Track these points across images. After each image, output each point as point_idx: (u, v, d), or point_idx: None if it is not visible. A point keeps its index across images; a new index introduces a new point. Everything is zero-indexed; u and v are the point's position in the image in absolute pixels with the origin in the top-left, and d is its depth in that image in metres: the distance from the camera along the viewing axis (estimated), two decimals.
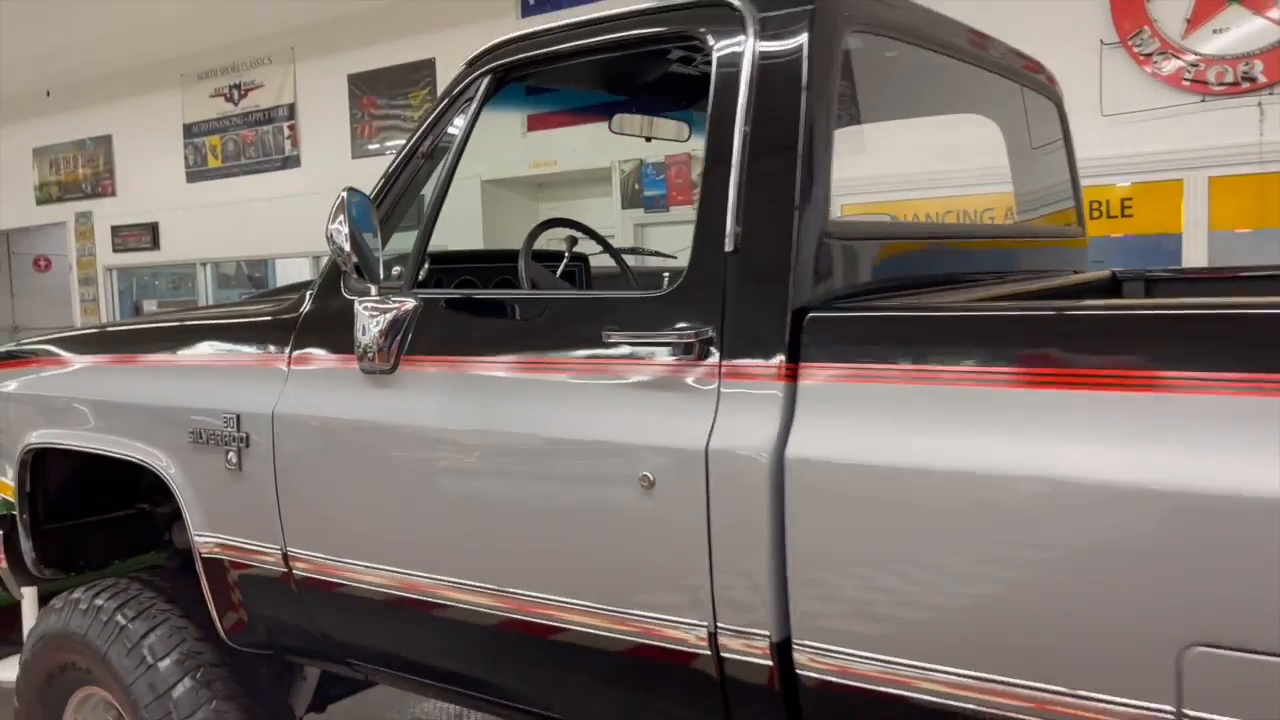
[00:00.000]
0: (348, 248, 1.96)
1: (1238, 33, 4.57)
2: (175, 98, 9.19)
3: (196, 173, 9.11)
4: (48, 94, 10.33)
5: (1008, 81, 2.67)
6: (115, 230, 9.94)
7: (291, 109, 8.31)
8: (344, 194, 1.96)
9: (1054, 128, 2.94)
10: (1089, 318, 1.51)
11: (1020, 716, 1.42)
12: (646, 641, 1.76)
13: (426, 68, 7.34)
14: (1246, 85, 4.56)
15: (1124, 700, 1.35)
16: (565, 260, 2.79)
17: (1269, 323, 1.35)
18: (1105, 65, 4.89)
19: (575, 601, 1.82)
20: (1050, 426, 1.41)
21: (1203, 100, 4.67)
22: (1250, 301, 1.40)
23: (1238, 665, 1.27)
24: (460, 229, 7.12)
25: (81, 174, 10.24)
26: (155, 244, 9.61)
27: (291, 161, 8.37)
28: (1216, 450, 1.29)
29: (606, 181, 6.66)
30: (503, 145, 6.82)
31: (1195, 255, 4.80)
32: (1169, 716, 1.31)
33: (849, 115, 2.43)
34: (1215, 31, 4.62)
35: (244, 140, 8.65)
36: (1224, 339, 1.37)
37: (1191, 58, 4.68)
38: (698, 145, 1.97)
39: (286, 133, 8.32)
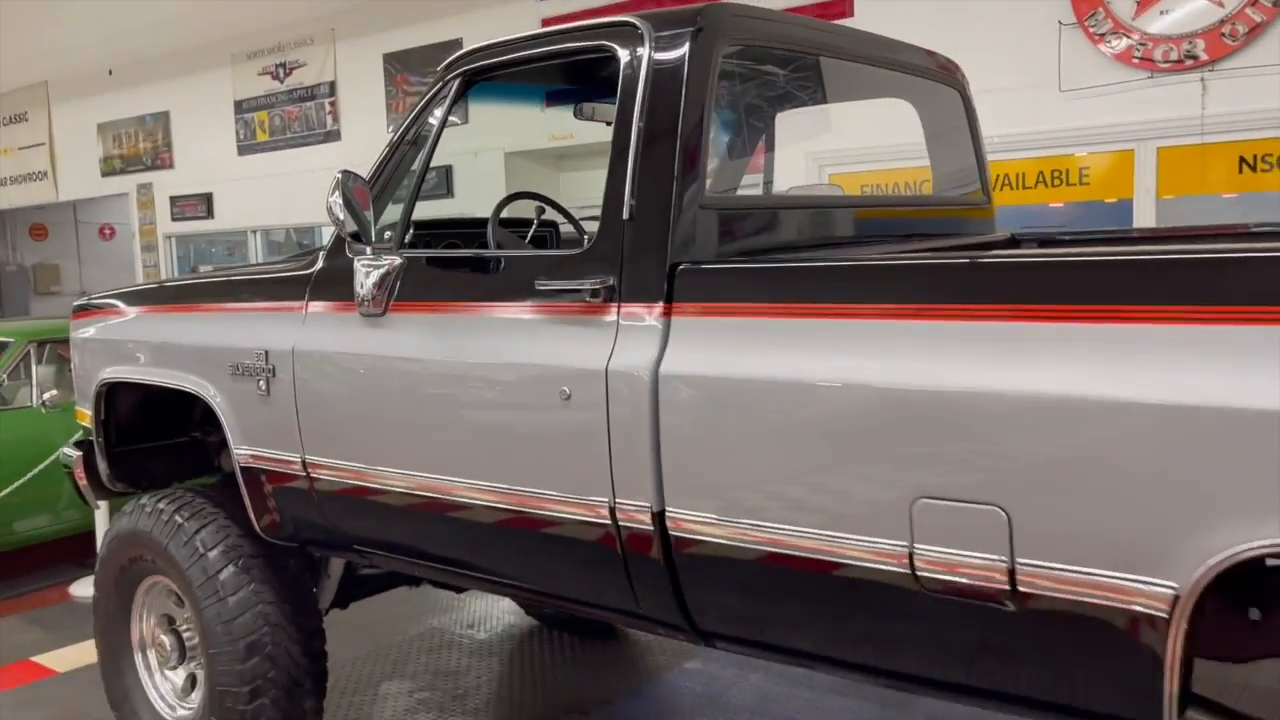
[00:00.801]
0: (342, 217, 2.52)
1: (1181, 13, 4.96)
2: (226, 76, 9.86)
3: (247, 146, 9.78)
4: (110, 72, 11.06)
5: (907, 75, 3.15)
6: (173, 200, 10.67)
7: (332, 86, 8.94)
8: (339, 175, 2.53)
9: (960, 113, 3.40)
10: (846, 269, 2.04)
11: (811, 554, 1.96)
12: (566, 516, 2.32)
13: (454, 46, 7.85)
14: (1190, 63, 4.95)
15: (879, 539, 1.88)
16: (534, 226, 3.33)
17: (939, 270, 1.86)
18: (1064, 44, 5.30)
19: (521, 488, 2.38)
20: (833, 348, 1.94)
21: (1150, 76, 5.07)
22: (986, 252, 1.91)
23: (946, 510, 1.79)
24: (486, 198, 7.68)
25: (142, 148, 10.98)
26: (210, 213, 10.33)
27: (333, 135, 8.99)
28: (927, 362, 1.80)
29: None
30: (524, 120, 7.35)
31: (1145, 219, 5.22)
32: (905, 545, 1.84)
33: (760, 106, 2.94)
34: (1161, 13, 5.01)
35: (289, 116, 9.29)
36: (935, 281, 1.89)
37: (1140, 37, 5.07)
38: None
39: (328, 108, 8.95)
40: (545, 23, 7.13)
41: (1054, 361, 1.68)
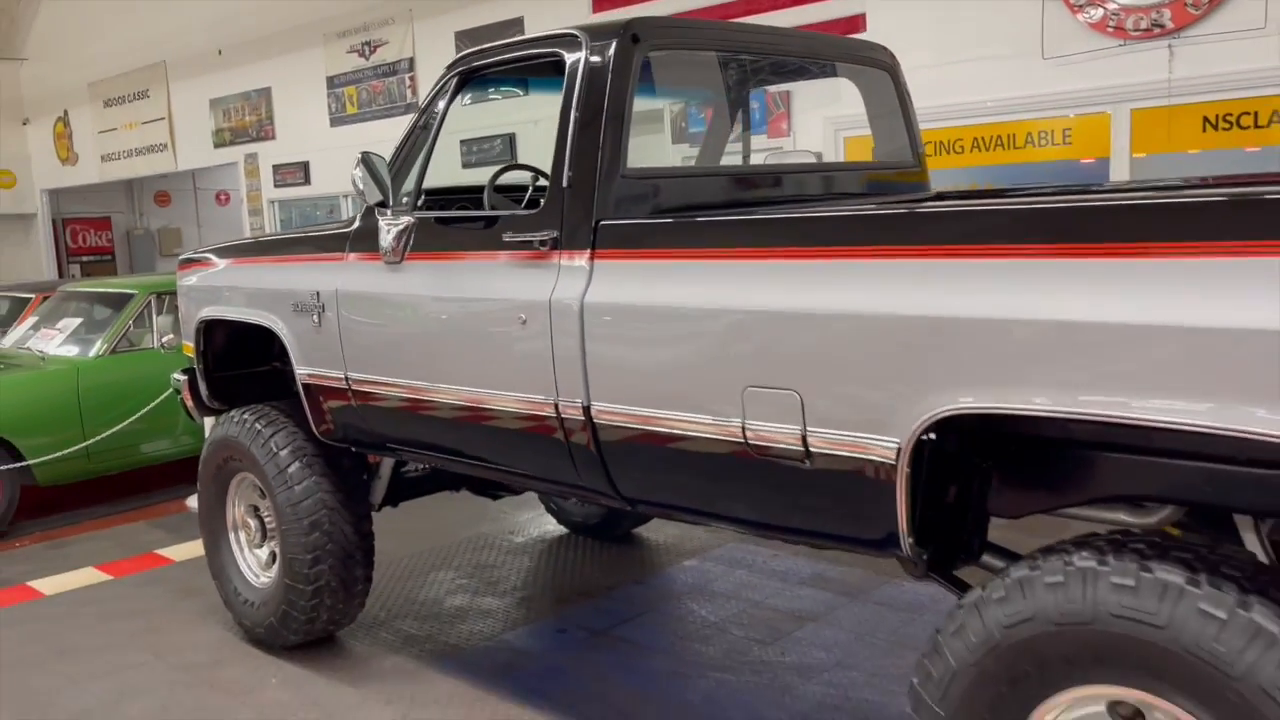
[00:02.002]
0: (362, 187, 3.31)
1: None
2: (319, 54, 10.82)
3: (338, 118, 10.75)
4: (219, 53, 12.16)
5: (837, 61, 3.78)
6: (276, 168, 11.75)
7: (411, 62, 9.80)
8: (360, 154, 3.32)
9: (891, 91, 4.00)
10: (703, 223, 2.73)
11: (684, 432, 2.67)
12: (525, 412, 3.08)
13: (516, 25, 8.65)
14: (1157, 30, 5.39)
15: (725, 418, 2.58)
16: (530, 190, 4.06)
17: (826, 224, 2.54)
18: (1046, 15, 5.77)
19: (487, 391, 3.16)
20: (698, 281, 2.64)
21: (1122, 44, 5.52)
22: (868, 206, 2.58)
23: (766, 395, 2.49)
24: (544, 161, 8.46)
25: (248, 121, 12.07)
26: (307, 179, 11.36)
27: (413, 107, 9.87)
28: (753, 290, 2.50)
29: (660, 121, 7.85)
30: None
31: (1121, 176, 5.68)
32: (739, 422, 2.54)
33: (692, 94, 3.61)
34: None
35: (374, 90, 10.20)
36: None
37: (1113, 6, 5.52)
38: None
39: (408, 83, 9.82)
40: (596, 6, 7.78)
41: (825, 288, 2.37)
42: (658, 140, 7.86)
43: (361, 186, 3.34)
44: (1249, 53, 5.15)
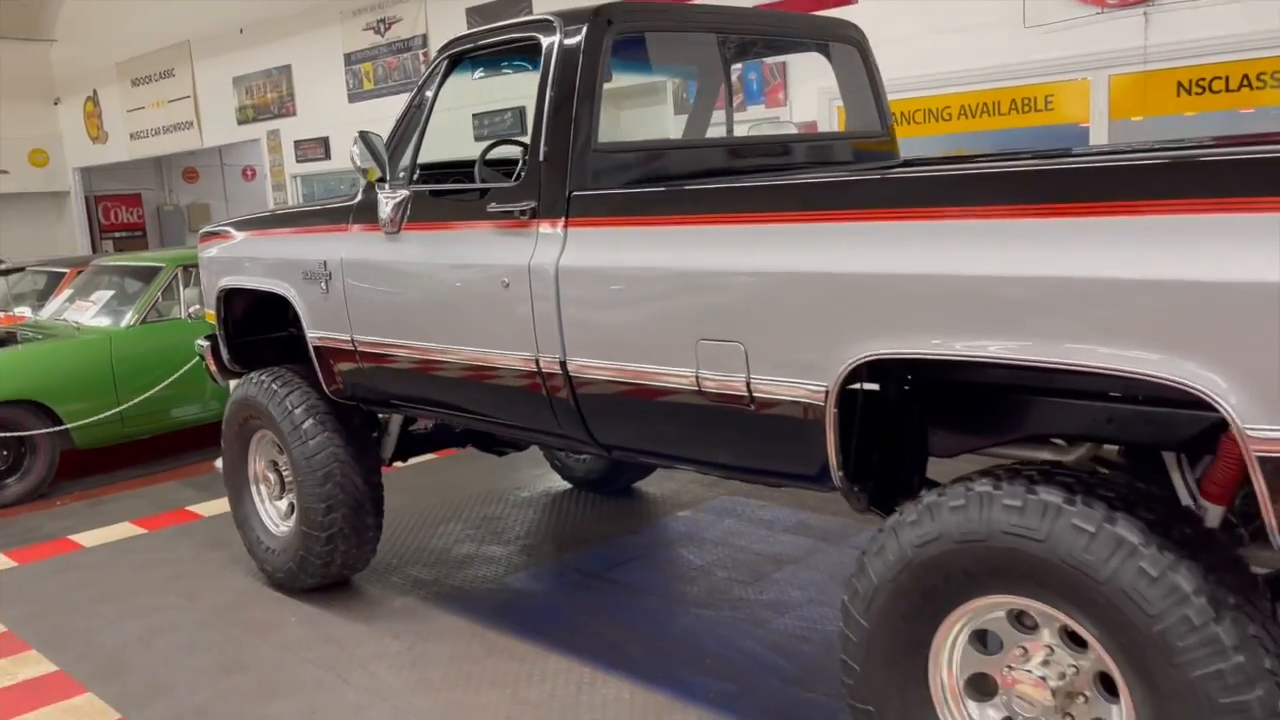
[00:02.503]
0: (359, 163, 3.61)
1: None
2: (337, 32, 11.10)
3: (355, 94, 11.05)
4: (241, 31, 12.47)
5: (803, 39, 4.03)
6: (297, 144, 12.08)
7: (424, 39, 10.07)
8: (358, 134, 3.61)
9: (859, 65, 4.24)
10: (661, 193, 3.00)
11: (647, 382, 2.96)
12: (509, 368, 3.38)
13: (524, 2, 8.89)
14: None
15: (681, 368, 2.87)
16: (520, 164, 4.34)
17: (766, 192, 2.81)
18: None
19: (477, 349, 3.46)
20: (655, 246, 2.92)
21: (1100, 12, 5.70)
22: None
23: (715, 347, 2.77)
24: None
25: (270, 98, 12.40)
26: (328, 154, 11.68)
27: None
28: (704, 253, 2.77)
29: (663, 93, 8.09)
30: None
31: (1100, 140, 5.88)
32: (693, 372, 2.83)
33: (675, 71, 3.86)
34: None
35: (390, 66, 10.48)
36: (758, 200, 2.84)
37: None
38: None
39: (421, 59, 10.10)
40: None
41: (760, 249, 2.64)
42: (661, 112, 8.11)
43: (359, 162, 3.64)
44: (1221, 19, 5.32)
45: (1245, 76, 5.32)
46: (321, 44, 11.33)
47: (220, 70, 13.08)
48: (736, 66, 6.88)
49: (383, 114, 10.61)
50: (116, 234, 18.18)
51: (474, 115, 9.47)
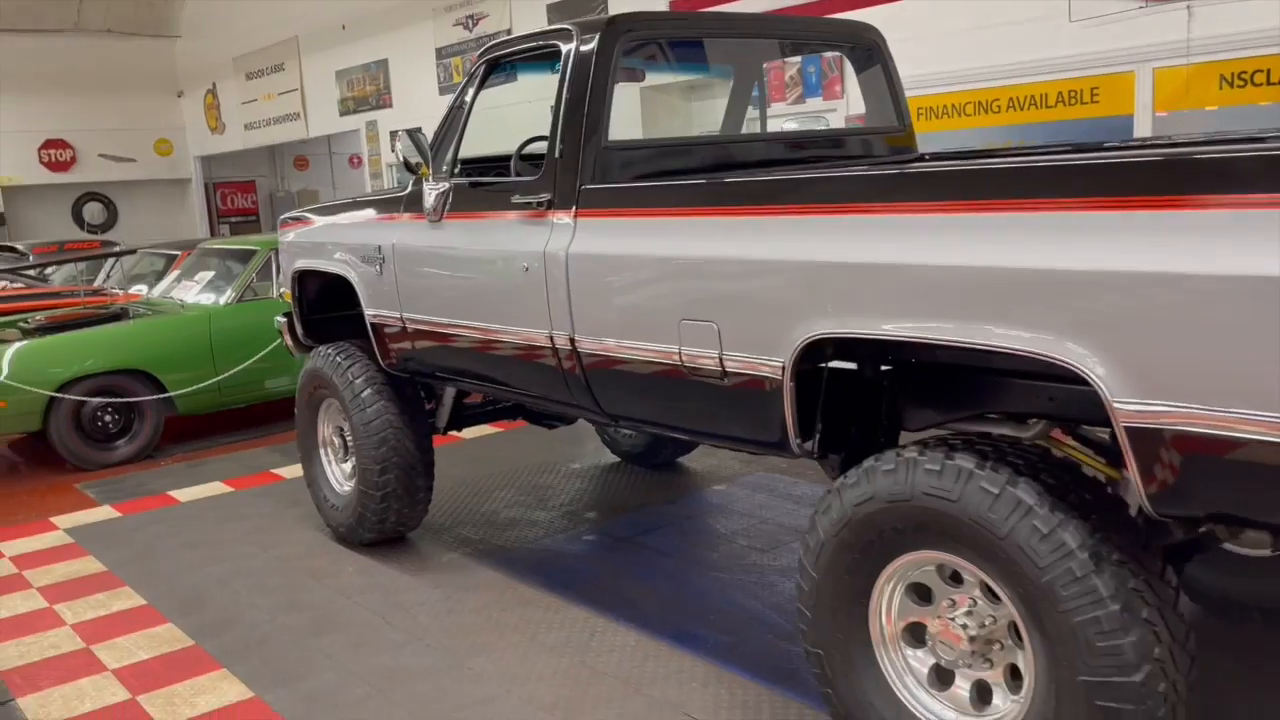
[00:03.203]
0: (401, 159, 4.02)
1: None
2: (429, 28, 11.66)
3: (446, 87, 11.59)
4: (343, 27, 13.15)
5: (821, 40, 4.29)
6: (392, 135, 12.70)
7: (509, 34, 10.50)
8: (403, 131, 4.03)
9: (878, 65, 4.47)
10: (655, 188, 3.32)
11: (641, 358, 3.30)
12: (529, 344, 3.76)
13: (601, 1, 9.26)
14: None
15: (666, 344, 3.19)
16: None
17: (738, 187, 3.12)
18: None
19: (503, 326, 3.85)
20: (650, 235, 3.25)
21: (1143, 6, 5.77)
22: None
23: (694, 326, 3.09)
24: (625, 128, 9.10)
25: (368, 90, 13.06)
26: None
27: (511, 78, 10.60)
28: (686, 240, 3.09)
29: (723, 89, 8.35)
30: None
31: (1144, 132, 5.95)
32: (677, 348, 3.16)
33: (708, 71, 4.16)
34: None
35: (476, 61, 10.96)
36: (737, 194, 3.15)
37: None
38: None
39: None
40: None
41: (730, 239, 2.95)
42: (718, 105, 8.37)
43: (404, 156, 4.05)
44: (1262, 13, 5.35)
45: None
46: (415, 39, 11.91)
47: (324, 64, 13.80)
48: (781, 63, 7.15)
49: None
50: (232, 219, 19.27)
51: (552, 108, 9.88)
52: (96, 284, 10.36)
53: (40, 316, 7.84)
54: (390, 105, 12.72)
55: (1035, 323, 2.29)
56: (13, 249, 11.12)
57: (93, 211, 18.77)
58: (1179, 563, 2.58)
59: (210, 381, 7.27)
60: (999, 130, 6.62)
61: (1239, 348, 1.99)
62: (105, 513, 5.97)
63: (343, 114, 13.72)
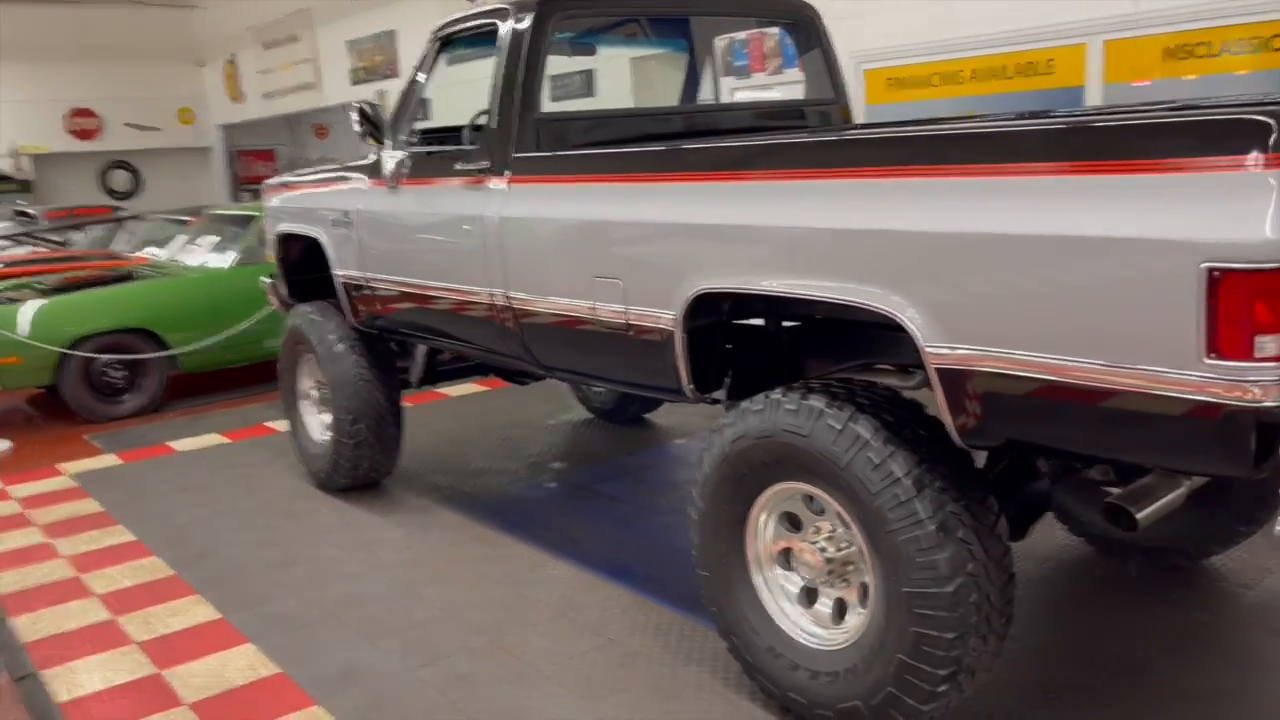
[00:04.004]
0: (359, 129, 4.34)
1: None
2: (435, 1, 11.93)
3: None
4: None
5: (754, 16, 4.55)
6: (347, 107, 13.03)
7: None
8: (356, 102, 4.35)
9: (815, 39, 4.73)
10: (572, 156, 3.62)
11: (562, 312, 3.62)
12: (473, 301, 4.08)
13: None
14: None
15: (583, 300, 3.51)
16: None
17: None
18: None
19: (450, 285, 4.18)
20: (568, 199, 3.56)
21: None
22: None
23: (605, 283, 3.41)
24: (615, 97, 9.39)
25: (378, 60, 13.37)
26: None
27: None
28: (603, 204, 3.40)
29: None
30: None
31: (1094, 103, 6.16)
32: (591, 304, 3.47)
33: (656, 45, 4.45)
34: None
35: None
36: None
37: None
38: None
39: None
40: None
41: (631, 203, 3.26)
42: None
43: (358, 128, 4.38)
44: None
45: (1226, 42, 5.54)
46: (421, 11, 12.18)
47: (337, 34, 14.12)
48: (760, 33, 7.38)
49: (471, 77, 11.45)
50: (253, 185, 19.66)
51: (550, 77, 10.16)
52: (112, 248, 10.79)
53: (55, 279, 8.26)
54: (397, 75, 13.03)
55: (867, 277, 2.59)
56: (25, 213, 11.61)
57: (118, 179, 19.27)
58: (1007, 493, 2.86)
59: (211, 340, 7.67)
60: (964, 101, 6.84)
61: (1019, 298, 2.28)
62: (109, 460, 6.39)
63: (354, 83, 14.05)
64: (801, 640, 3.02)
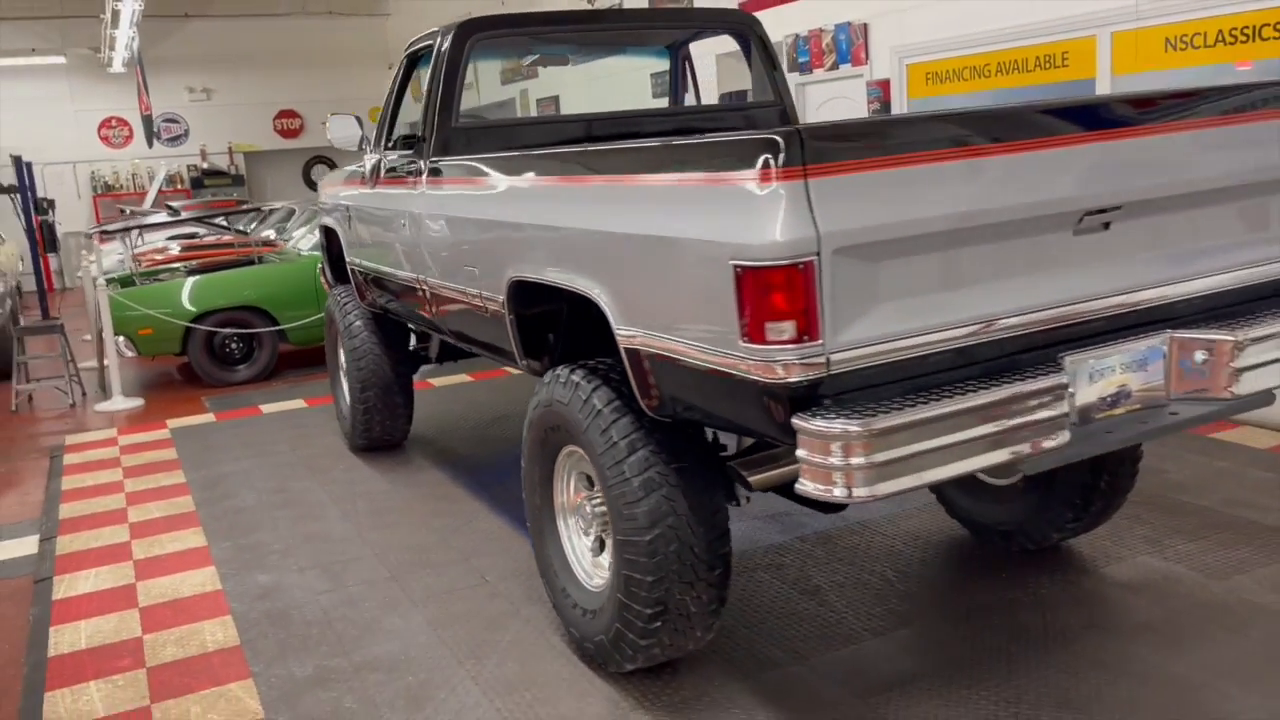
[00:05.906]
0: (330, 138, 5.05)
1: None
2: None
3: None
4: (502, 1, 14.41)
5: (692, 31, 4.95)
6: (538, 102, 13.88)
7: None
8: (330, 114, 5.05)
9: (758, 48, 5.05)
10: (479, 160, 4.15)
11: (460, 299, 4.18)
12: (410, 285, 4.70)
13: None
14: None
15: (459, 284, 4.06)
16: None
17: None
18: None
19: (403, 271, 4.82)
20: (477, 199, 4.11)
21: None
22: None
23: (468, 271, 3.95)
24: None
25: (519, 64, 14.27)
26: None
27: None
28: (501, 206, 3.95)
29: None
30: None
31: (1104, 91, 6.08)
32: (463, 287, 4.02)
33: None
34: None
35: None
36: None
37: None
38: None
39: None
40: None
41: (477, 204, 3.78)
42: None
43: (329, 137, 5.08)
44: None
45: (1220, 33, 5.39)
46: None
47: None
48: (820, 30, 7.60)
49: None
50: None
51: (651, 75, 10.68)
52: (263, 236, 12.17)
53: (193, 264, 9.56)
54: (536, 75, 13.90)
55: (583, 270, 3.02)
56: (169, 206, 13.43)
57: (320, 173, 21.25)
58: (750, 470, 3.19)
59: (315, 317, 8.69)
60: (993, 94, 6.87)
61: (649, 289, 2.67)
62: (206, 418, 7.48)
63: (503, 83, 15.05)
64: (582, 581, 3.47)
